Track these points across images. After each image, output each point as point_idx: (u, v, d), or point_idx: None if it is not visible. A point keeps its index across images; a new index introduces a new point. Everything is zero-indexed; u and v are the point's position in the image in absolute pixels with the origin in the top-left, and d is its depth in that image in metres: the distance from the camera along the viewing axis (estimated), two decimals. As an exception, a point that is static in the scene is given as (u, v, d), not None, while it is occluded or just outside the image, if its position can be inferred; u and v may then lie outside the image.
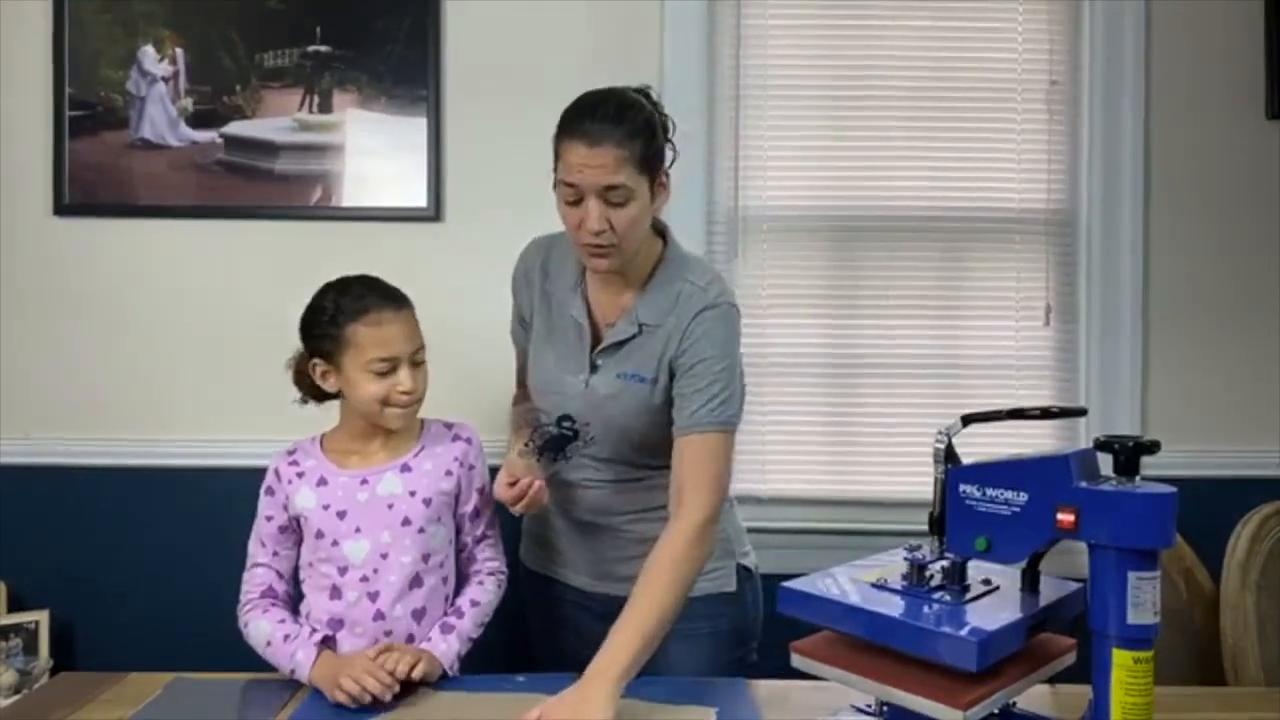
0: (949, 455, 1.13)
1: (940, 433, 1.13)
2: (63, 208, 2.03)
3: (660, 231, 1.49)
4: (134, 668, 1.41)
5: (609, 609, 1.47)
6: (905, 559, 1.13)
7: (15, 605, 2.00)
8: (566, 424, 1.44)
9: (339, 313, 1.41)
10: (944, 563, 1.13)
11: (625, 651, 1.22)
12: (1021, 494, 1.05)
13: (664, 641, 1.43)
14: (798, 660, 1.14)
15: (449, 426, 1.53)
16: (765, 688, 1.33)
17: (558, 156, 1.37)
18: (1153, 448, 1.01)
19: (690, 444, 1.37)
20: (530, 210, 2.03)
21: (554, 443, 1.43)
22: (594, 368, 1.45)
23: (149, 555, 2.03)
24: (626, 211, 1.34)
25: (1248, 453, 2.04)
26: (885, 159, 2.10)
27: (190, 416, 2.04)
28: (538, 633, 1.64)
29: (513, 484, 1.38)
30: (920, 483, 1.99)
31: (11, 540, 2.03)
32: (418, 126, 2.03)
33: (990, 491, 1.07)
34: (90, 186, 2.03)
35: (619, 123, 1.33)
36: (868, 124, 2.09)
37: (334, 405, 1.49)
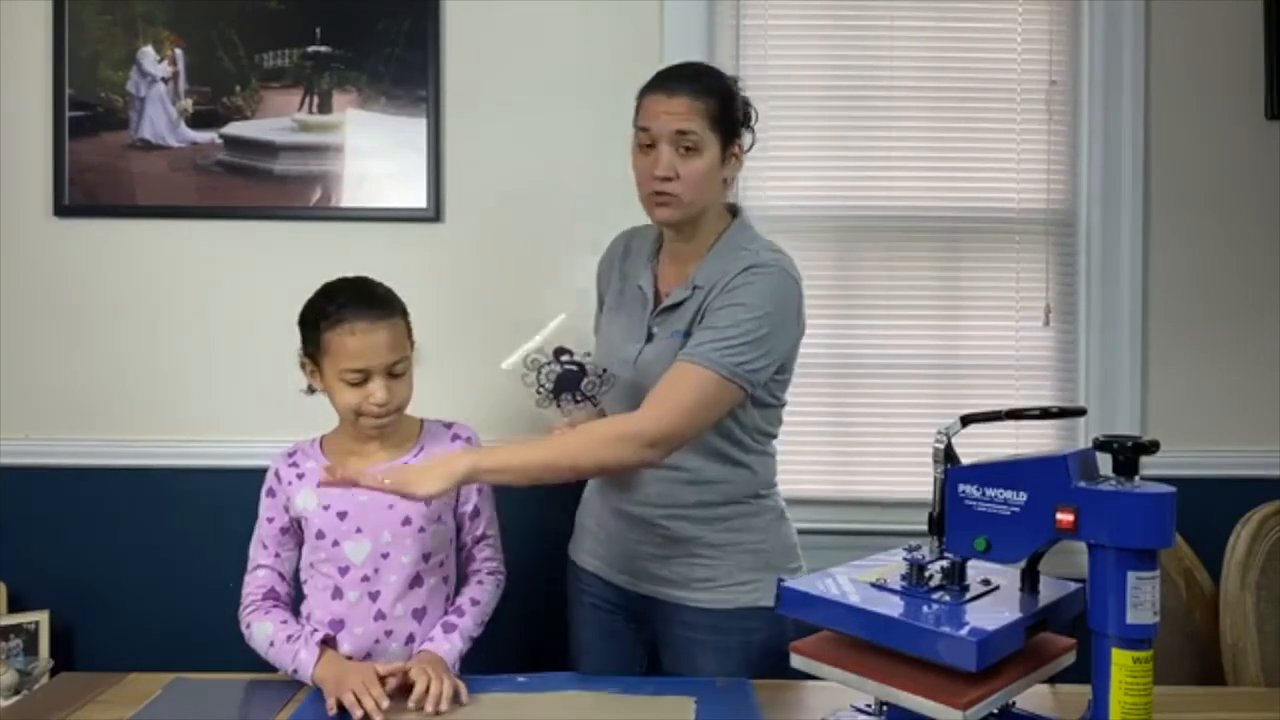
0: (948, 455, 1.13)
1: (940, 433, 1.13)
2: (63, 208, 2.03)
3: (733, 210, 1.53)
4: (134, 668, 1.41)
5: (644, 608, 1.52)
6: (905, 559, 1.13)
7: (15, 606, 1.99)
8: (565, 358, 1.42)
9: (320, 318, 1.41)
10: (943, 563, 1.13)
11: (499, 451, 1.35)
12: (1021, 494, 1.05)
13: (692, 650, 1.45)
14: (797, 660, 1.14)
15: (447, 426, 1.54)
16: (765, 687, 1.33)
17: (638, 110, 1.46)
18: (1152, 448, 1.01)
19: (679, 368, 1.36)
20: (529, 210, 2.05)
21: (564, 381, 1.41)
22: (650, 336, 1.48)
23: (149, 556, 2.03)
24: (694, 163, 1.41)
25: (1247, 453, 2.04)
26: (885, 159, 2.09)
27: (191, 417, 2.04)
28: (573, 629, 1.63)
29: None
30: (919, 483, 1.99)
31: (12, 541, 2.03)
32: (417, 127, 2.03)
33: (990, 491, 1.07)
34: (90, 187, 2.03)
35: (696, 79, 1.44)
36: (867, 124, 2.09)
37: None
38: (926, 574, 1.12)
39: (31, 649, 1.95)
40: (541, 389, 1.41)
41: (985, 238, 2.10)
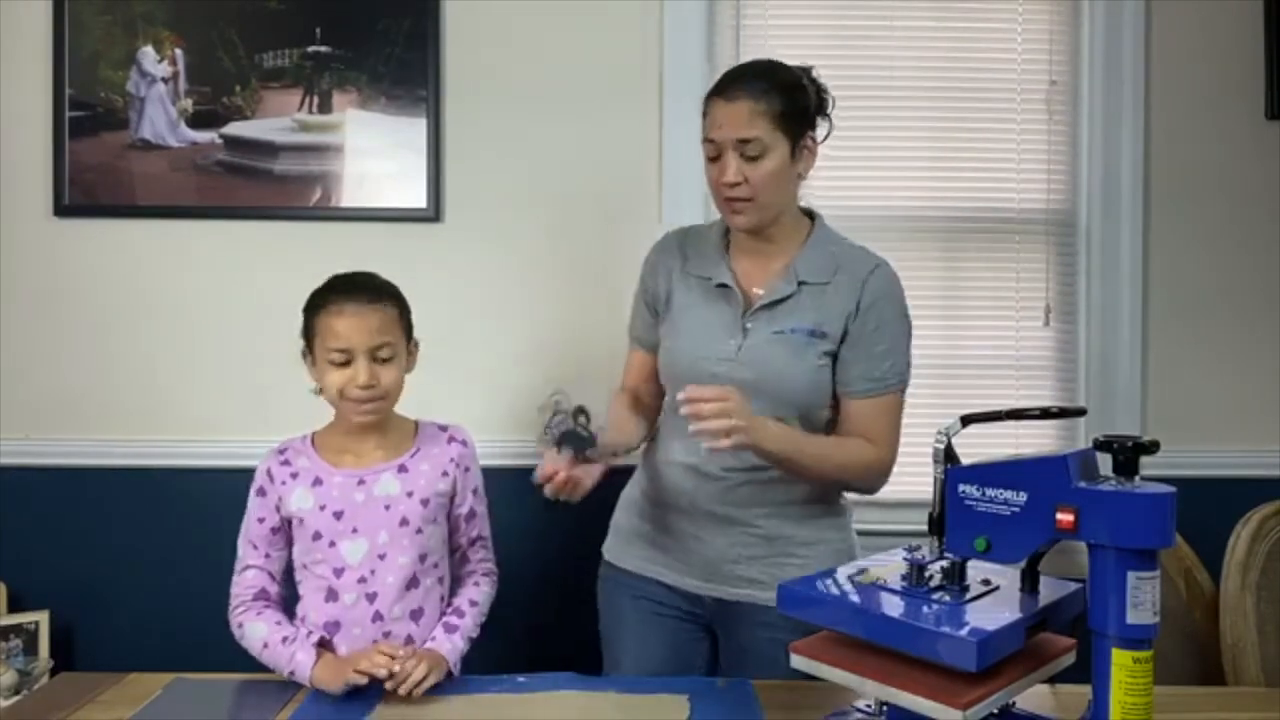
0: (948, 455, 1.13)
1: (940, 433, 1.13)
2: (63, 208, 2.03)
3: (810, 214, 1.54)
4: (134, 668, 1.41)
5: (718, 613, 1.49)
6: (904, 559, 1.13)
7: (15, 606, 2.00)
8: (582, 420, 1.40)
9: (311, 303, 1.44)
10: (943, 563, 1.13)
11: (790, 434, 1.38)
12: (1021, 494, 1.05)
13: (777, 650, 1.41)
14: (797, 660, 1.14)
15: (443, 429, 1.53)
16: (765, 688, 1.33)
17: (704, 117, 1.45)
18: (1152, 448, 1.01)
19: (885, 401, 1.44)
20: (529, 211, 2.05)
21: (570, 438, 1.38)
22: (746, 331, 1.46)
23: (149, 556, 2.03)
24: (762, 166, 1.40)
25: (1247, 453, 2.04)
26: (885, 159, 2.10)
27: (191, 417, 2.04)
28: (620, 636, 1.56)
29: (553, 466, 1.36)
30: (918, 482, 1.98)
31: (12, 541, 2.03)
32: (417, 127, 2.04)
33: (990, 492, 1.07)
34: (90, 187, 2.03)
35: (756, 78, 1.42)
36: (868, 124, 2.09)
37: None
38: (926, 574, 1.12)
39: (31, 649, 1.95)
40: (549, 431, 1.39)
41: (985, 237, 2.10)
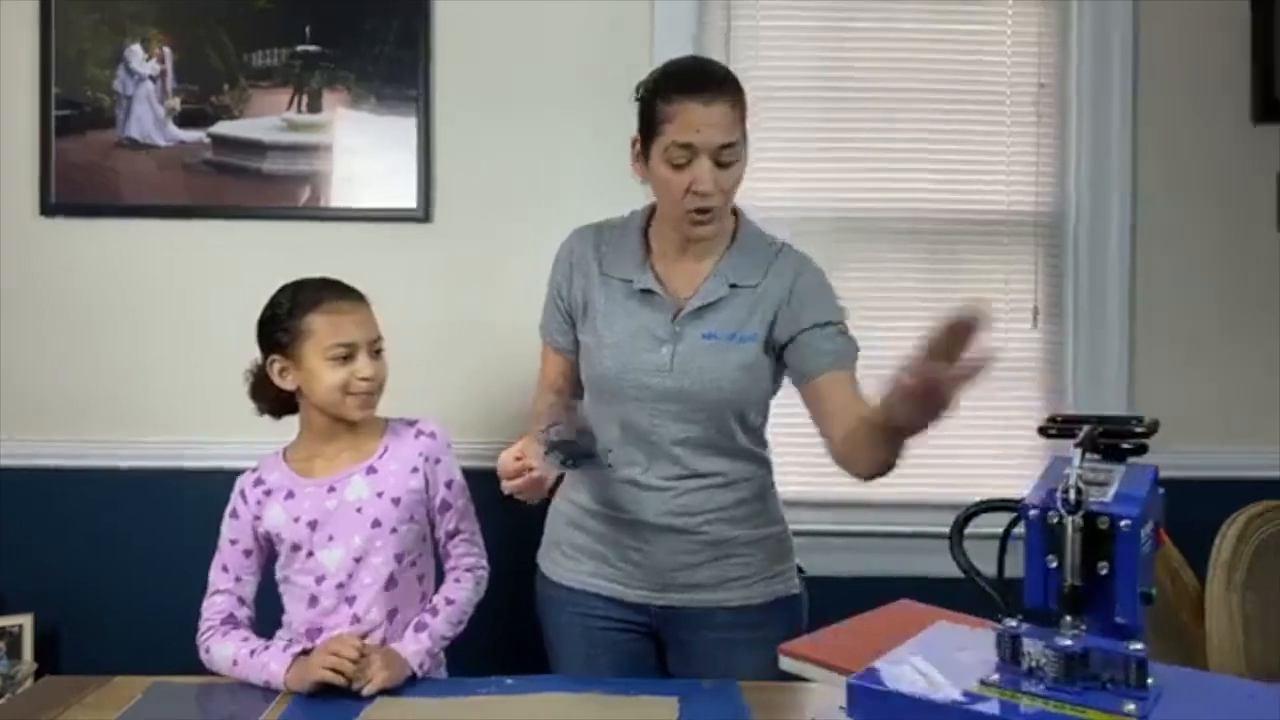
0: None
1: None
2: (49, 207, 2.02)
3: (733, 209, 1.49)
4: (119, 671, 1.40)
5: (666, 620, 1.48)
6: (1046, 649, 0.84)
7: (-1, 608, 1.98)
8: (585, 438, 1.34)
9: (295, 305, 1.42)
10: (1069, 642, 0.85)
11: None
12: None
13: (730, 650, 1.43)
14: (785, 662, 1.14)
15: (411, 424, 1.52)
16: (753, 689, 1.32)
17: (662, 120, 1.34)
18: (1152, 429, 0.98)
19: (849, 380, 1.41)
20: (519, 211, 2.05)
21: (567, 446, 1.33)
22: (677, 336, 1.41)
23: (135, 558, 2.02)
24: (733, 172, 1.35)
25: (1234, 453, 2.05)
26: (874, 161, 2.10)
27: (177, 417, 2.03)
28: (567, 653, 1.52)
29: (519, 460, 1.31)
30: (913, 483, 1.99)
31: (-4, 542, 2.01)
32: (407, 127, 2.03)
33: None
34: (77, 186, 2.02)
35: (725, 79, 1.35)
36: (857, 126, 2.10)
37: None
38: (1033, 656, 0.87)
39: (15, 652, 1.93)
40: (545, 433, 1.31)
41: (974, 239, 2.11)
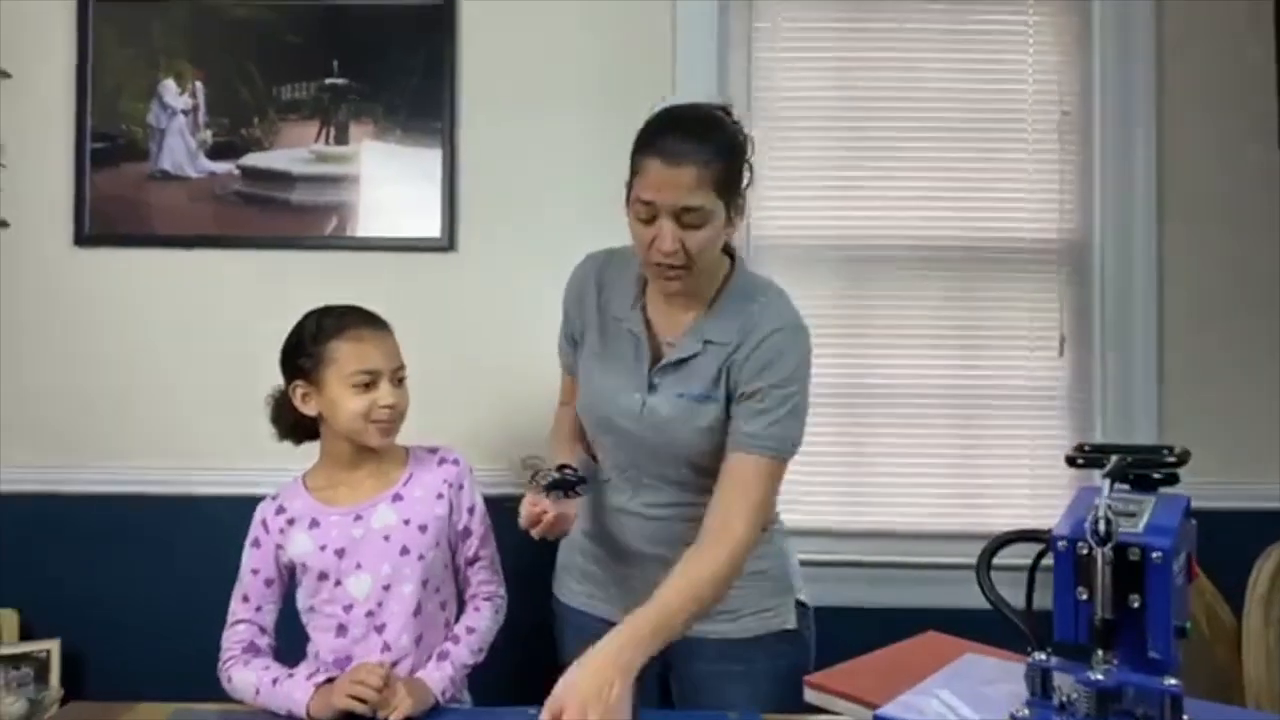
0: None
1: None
2: (83, 238, 2.06)
3: (729, 252, 1.45)
4: (144, 697, 1.40)
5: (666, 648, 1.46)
6: (1076, 681, 0.84)
7: (26, 634, 1.99)
8: (568, 471, 1.39)
9: (320, 331, 1.44)
10: (1101, 676, 0.84)
11: (643, 640, 1.18)
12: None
13: (720, 683, 1.41)
14: (811, 694, 1.12)
15: (433, 451, 1.53)
16: (777, 721, 1.30)
17: (634, 172, 1.34)
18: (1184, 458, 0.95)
19: (743, 463, 1.33)
20: (544, 241, 2.06)
21: (559, 484, 1.38)
22: (652, 387, 1.41)
23: (163, 584, 2.03)
24: (701, 234, 1.31)
25: (1270, 484, 2.01)
26: (897, 189, 2.10)
27: (208, 445, 2.04)
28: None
29: (534, 506, 1.35)
30: (932, 514, 1.96)
31: (24, 569, 2.03)
32: (432, 158, 2.06)
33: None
34: (110, 217, 2.06)
35: (702, 142, 1.29)
36: (880, 155, 2.10)
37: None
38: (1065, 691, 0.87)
39: (42, 678, 1.94)
40: (535, 482, 1.38)
41: (998, 267, 2.10)
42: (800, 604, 1.51)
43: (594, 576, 1.53)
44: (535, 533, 1.36)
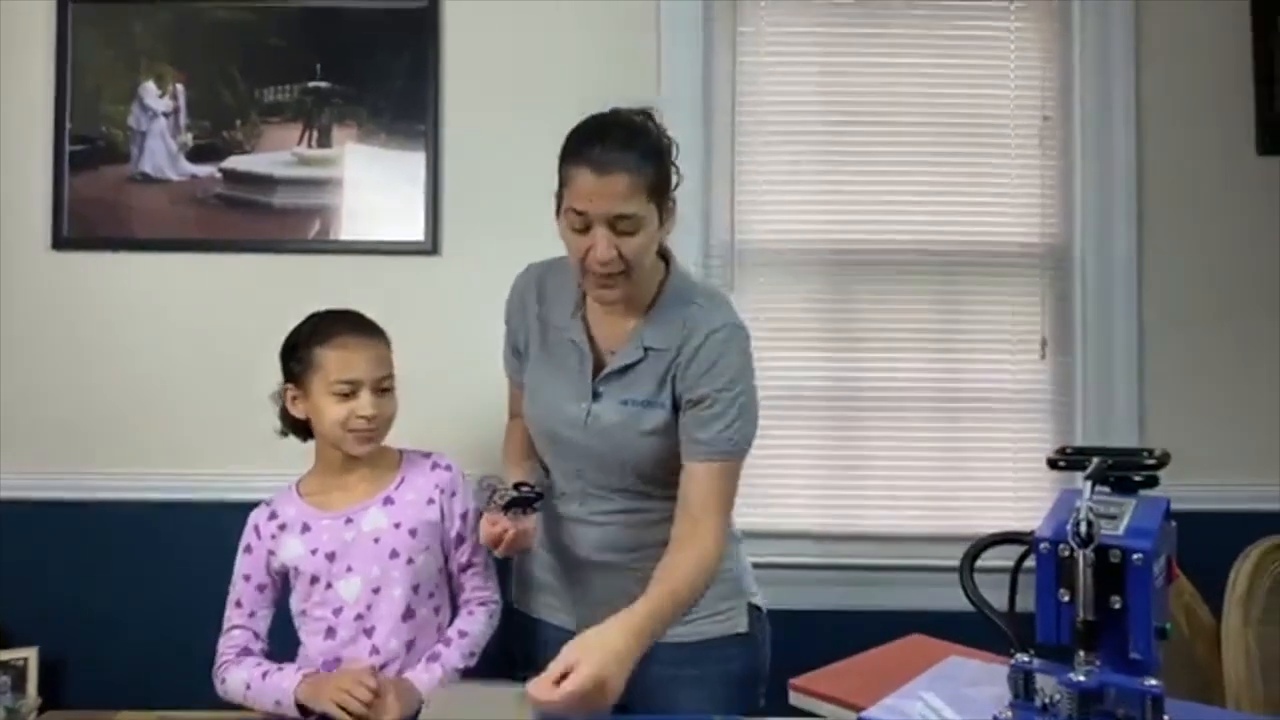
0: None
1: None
2: (61, 241, 2.04)
3: (664, 256, 1.45)
4: (123, 706, 1.40)
5: None
6: (1058, 683, 0.85)
7: (3, 642, 1.97)
8: (525, 488, 1.38)
9: (310, 336, 1.44)
10: (1083, 678, 0.85)
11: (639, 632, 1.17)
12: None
13: (672, 688, 1.40)
14: (796, 698, 1.12)
15: (426, 456, 1.53)
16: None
17: (563, 183, 1.34)
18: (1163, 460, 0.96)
19: (707, 470, 1.34)
20: (527, 244, 2.05)
21: (516, 502, 1.36)
22: (596, 395, 1.40)
23: (140, 592, 2.01)
24: (636, 240, 1.31)
25: (1248, 486, 2.02)
26: (881, 194, 2.11)
27: (187, 451, 2.03)
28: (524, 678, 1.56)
29: (494, 525, 1.34)
30: (913, 517, 1.97)
31: (2, 576, 2.00)
32: (415, 161, 2.05)
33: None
34: (89, 221, 2.04)
35: (628, 149, 1.29)
36: (863, 159, 2.11)
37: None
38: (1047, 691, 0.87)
39: (19, 686, 1.92)
40: (493, 504, 1.36)
41: (980, 271, 2.11)
42: (754, 607, 1.50)
43: (550, 586, 1.52)
44: (498, 552, 1.37)
